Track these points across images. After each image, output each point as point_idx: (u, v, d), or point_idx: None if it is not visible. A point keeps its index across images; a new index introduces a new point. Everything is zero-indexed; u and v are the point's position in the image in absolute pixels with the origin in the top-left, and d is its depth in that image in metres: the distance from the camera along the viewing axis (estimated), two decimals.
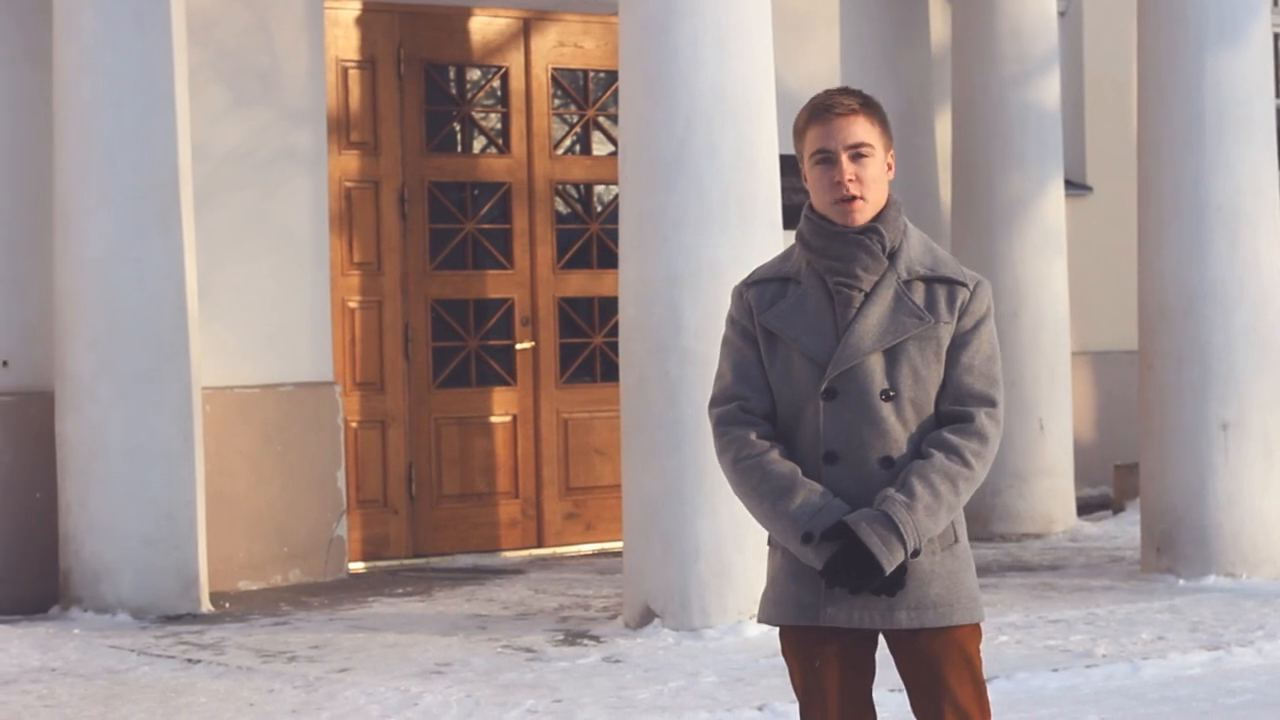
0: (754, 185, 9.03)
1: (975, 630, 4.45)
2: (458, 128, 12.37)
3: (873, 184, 4.39)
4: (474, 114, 12.38)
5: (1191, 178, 10.49)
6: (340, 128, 11.78)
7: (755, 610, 4.59)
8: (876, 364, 4.35)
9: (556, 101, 12.59)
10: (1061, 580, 10.74)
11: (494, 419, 12.24)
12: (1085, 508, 13.53)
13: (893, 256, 4.41)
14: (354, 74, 11.87)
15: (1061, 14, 13.91)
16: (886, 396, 4.34)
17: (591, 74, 12.69)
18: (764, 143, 9.10)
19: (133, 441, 10.04)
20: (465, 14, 12.23)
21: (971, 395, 4.38)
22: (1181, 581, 10.36)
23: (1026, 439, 12.62)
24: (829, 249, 4.40)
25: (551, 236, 12.46)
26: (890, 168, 4.45)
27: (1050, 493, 12.74)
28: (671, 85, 9.01)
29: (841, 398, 4.34)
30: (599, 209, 12.71)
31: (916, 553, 4.29)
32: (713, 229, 8.97)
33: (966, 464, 4.32)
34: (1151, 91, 10.71)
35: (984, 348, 4.41)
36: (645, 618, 9.05)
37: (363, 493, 11.78)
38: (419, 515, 11.99)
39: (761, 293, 4.46)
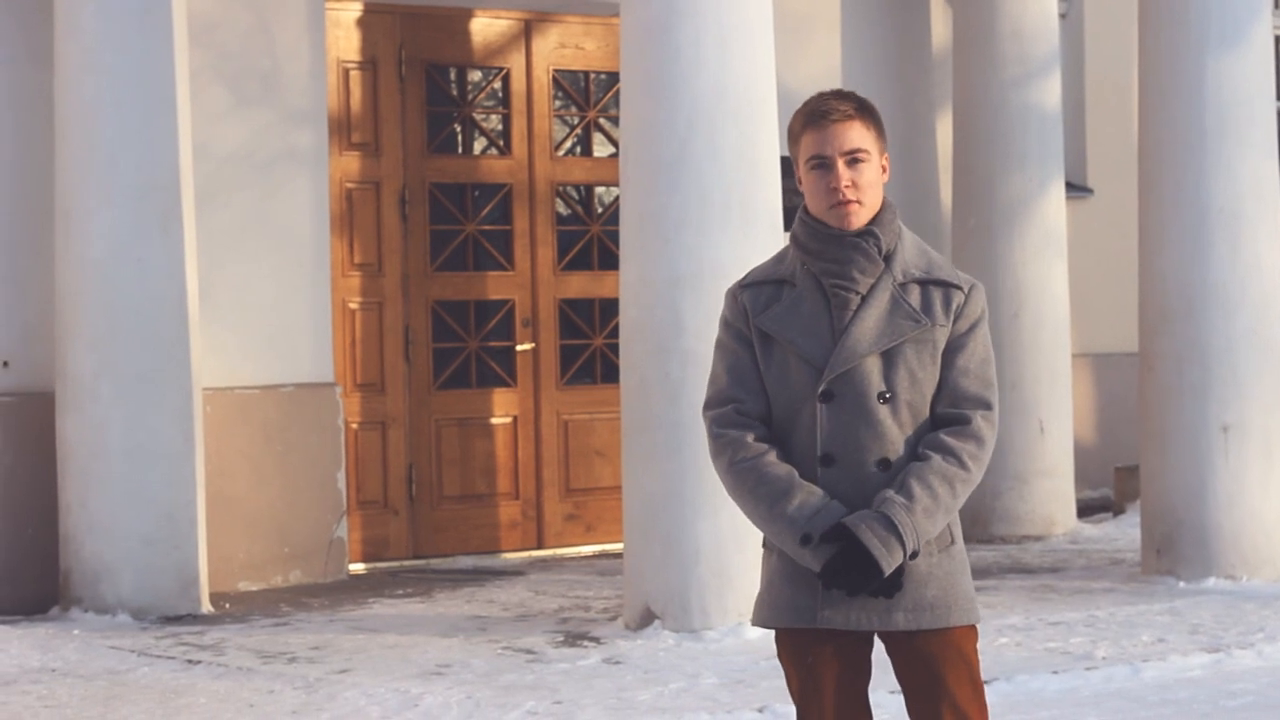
0: (755, 186, 9.03)
1: (972, 631, 4.45)
2: (459, 129, 12.38)
3: (868, 188, 4.40)
4: (475, 115, 12.38)
5: (1192, 180, 10.48)
6: (341, 129, 11.78)
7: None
8: (873, 366, 4.36)
9: (557, 103, 12.59)
10: (1062, 582, 10.74)
11: (494, 420, 12.24)
12: (1085, 510, 13.52)
13: (888, 259, 4.41)
14: (355, 75, 11.87)
15: (1063, 16, 13.91)
16: (883, 399, 4.35)
17: (592, 75, 12.69)
18: (765, 144, 9.10)
19: (133, 442, 10.04)
20: (466, 15, 12.23)
21: (967, 398, 4.39)
22: (1182, 584, 10.36)
23: (1027, 441, 12.62)
24: (825, 252, 4.40)
25: (552, 238, 12.46)
26: (885, 171, 4.45)
27: (1050, 495, 12.74)
28: (673, 86, 9.01)
29: (838, 400, 4.34)
30: (600, 210, 12.71)
31: (915, 554, 4.30)
32: (714, 230, 8.97)
33: (964, 466, 4.33)
34: (1153, 94, 10.71)
35: (979, 351, 4.42)
36: (645, 619, 9.05)
37: (363, 494, 11.78)
38: (419, 516, 11.99)
39: (756, 295, 4.46)
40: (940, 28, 13.61)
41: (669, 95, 9.02)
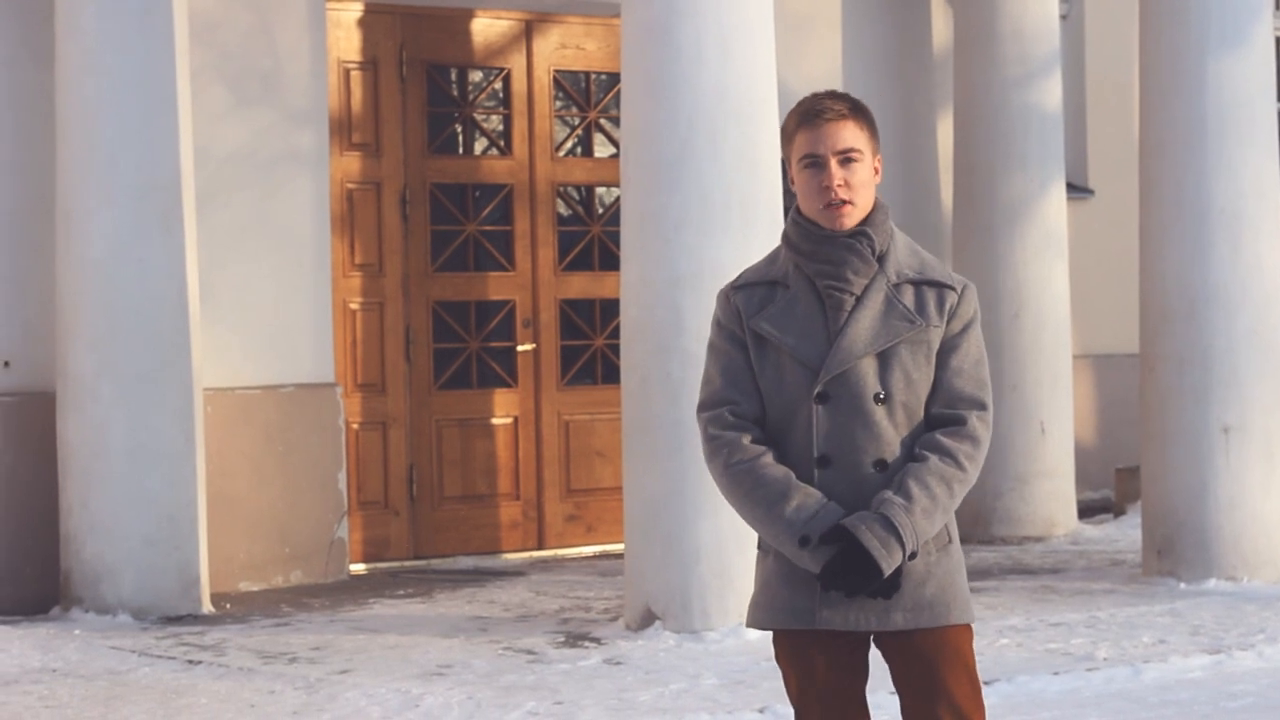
0: (756, 186, 9.03)
1: (968, 630, 4.45)
2: (459, 129, 12.38)
3: (861, 189, 4.40)
4: (476, 116, 12.38)
5: (1193, 180, 10.48)
6: (342, 129, 11.78)
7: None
8: (869, 368, 4.35)
9: (558, 103, 12.59)
10: (1062, 583, 10.74)
11: (495, 421, 12.24)
12: (1086, 511, 13.52)
13: (881, 260, 4.41)
14: (356, 75, 11.87)
15: (1063, 16, 13.91)
16: (879, 400, 4.35)
17: (593, 76, 12.69)
18: (766, 144, 9.09)
19: (134, 442, 10.04)
20: (467, 15, 12.23)
21: (962, 398, 4.39)
22: (1182, 585, 10.36)
23: (1028, 442, 12.62)
24: (818, 253, 4.40)
25: (553, 238, 12.46)
26: (877, 172, 4.45)
27: (1051, 495, 12.74)
28: (674, 86, 9.01)
29: (834, 402, 4.34)
30: (600, 211, 12.71)
31: (914, 555, 4.30)
32: (715, 230, 8.96)
33: (960, 467, 4.34)
34: (1153, 94, 10.71)
35: (973, 351, 4.42)
36: (646, 620, 9.05)
37: (364, 494, 11.78)
38: (420, 517, 11.99)
39: (749, 297, 4.46)
40: (941, 28, 13.61)
41: (670, 95, 9.02)
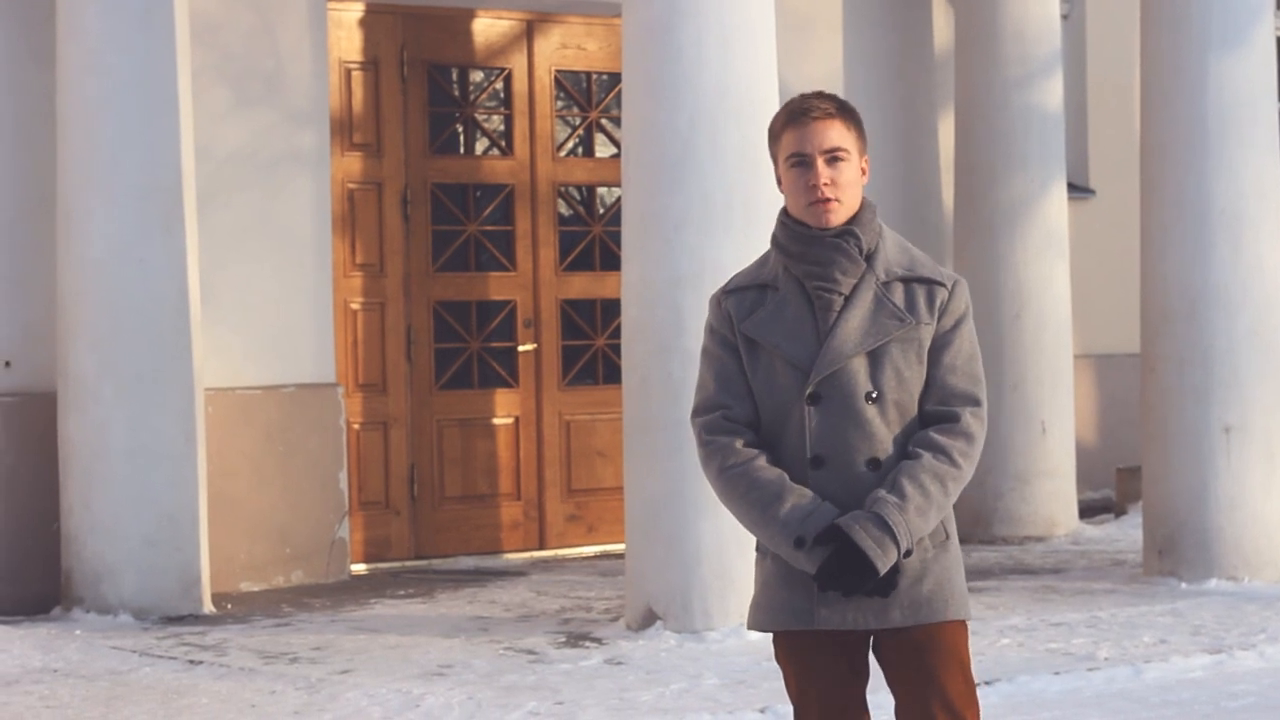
0: (757, 186, 9.02)
1: (964, 628, 4.45)
2: (460, 129, 12.38)
3: (847, 187, 4.40)
4: (477, 116, 12.38)
5: (1194, 181, 10.48)
6: (343, 129, 11.78)
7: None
8: (860, 367, 4.36)
9: (559, 103, 12.59)
10: (1063, 583, 10.74)
11: (496, 421, 12.24)
12: (1087, 511, 13.52)
13: (870, 259, 4.41)
14: (357, 75, 11.87)
15: (1064, 17, 13.91)
16: (870, 399, 4.35)
17: (594, 76, 12.69)
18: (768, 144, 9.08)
19: (135, 442, 10.04)
20: (468, 16, 12.23)
21: (956, 395, 4.38)
22: (1183, 585, 10.36)
23: (1029, 441, 12.62)
24: (806, 253, 4.40)
25: (554, 238, 12.47)
26: (865, 172, 4.45)
27: (1052, 495, 12.74)
28: (675, 86, 9.01)
29: (826, 402, 4.34)
30: (601, 211, 12.71)
31: (909, 553, 4.30)
32: (716, 230, 8.96)
33: (954, 464, 4.33)
34: (1154, 94, 10.71)
35: (965, 347, 4.42)
36: (647, 620, 9.05)
37: (365, 494, 11.78)
38: (421, 517, 11.99)
39: (740, 300, 4.47)
40: (942, 28, 13.61)
41: (671, 95, 9.02)
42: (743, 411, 4.42)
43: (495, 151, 12.41)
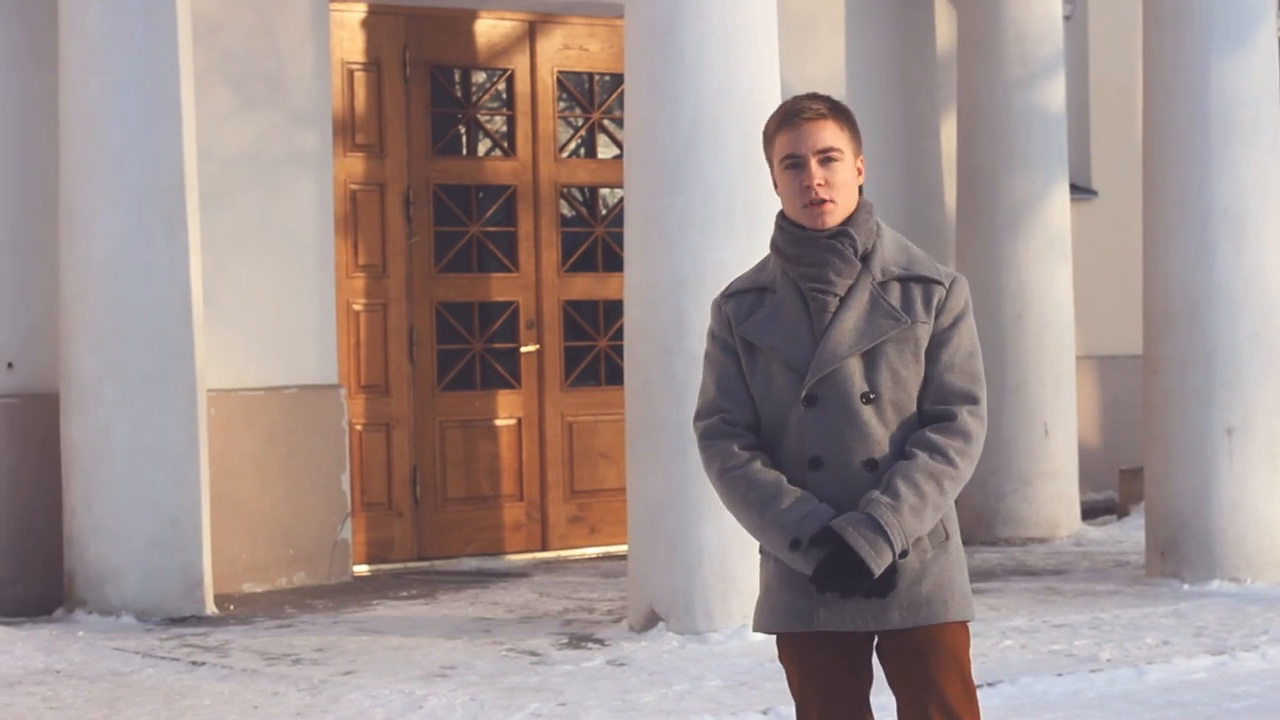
0: (760, 188, 8.99)
1: (964, 629, 4.44)
2: (463, 130, 12.38)
3: (842, 188, 4.39)
4: (479, 117, 12.38)
5: (1197, 182, 10.48)
6: (345, 130, 11.78)
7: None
8: (855, 367, 4.35)
9: (562, 104, 12.59)
10: (1066, 585, 10.73)
11: (499, 422, 12.25)
12: (1090, 512, 13.52)
13: (866, 259, 4.41)
14: (359, 76, 11.87)
15: (1067, 17, 13.90)
16: (866, 399, 4.34)
17: (597, 77, 12.69)
18: None
19: (138, 444, 10.04)
20: (471, 17, 12.23)
21: (953, 393, 4.38)
22: (1186, 586, 10.36)
23: (1031, 443, 12.62)
24: (802, 255, 4.40)
25: (556, 239, 12.47)
26: (860, 173, 4.45)
27: (1055, 497, 12.73)
28: (677, 87, 9.01)
29: (822, 403, 4.34)
30: (604, 212, 12.71)
31: (905, 553, 4.29)
32: (718, 232, 8.96)
33: (950, 462, 4.32)
34: (1157, 95, 10.71)
35: (964, 344, 4.41)
36: (650, 621, 9.05)
37: (367, 495, 11.79)
38: (423, 518, 11.99)
39: (739, 304, 4.47)
40: (944, 29, 13.61)
41: (673, 96, 9.02)
42: (742, 415, 4.43)
43: (498, 152, 12.41)
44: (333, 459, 11.42)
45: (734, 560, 8.85)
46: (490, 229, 12.33)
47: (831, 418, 4.34)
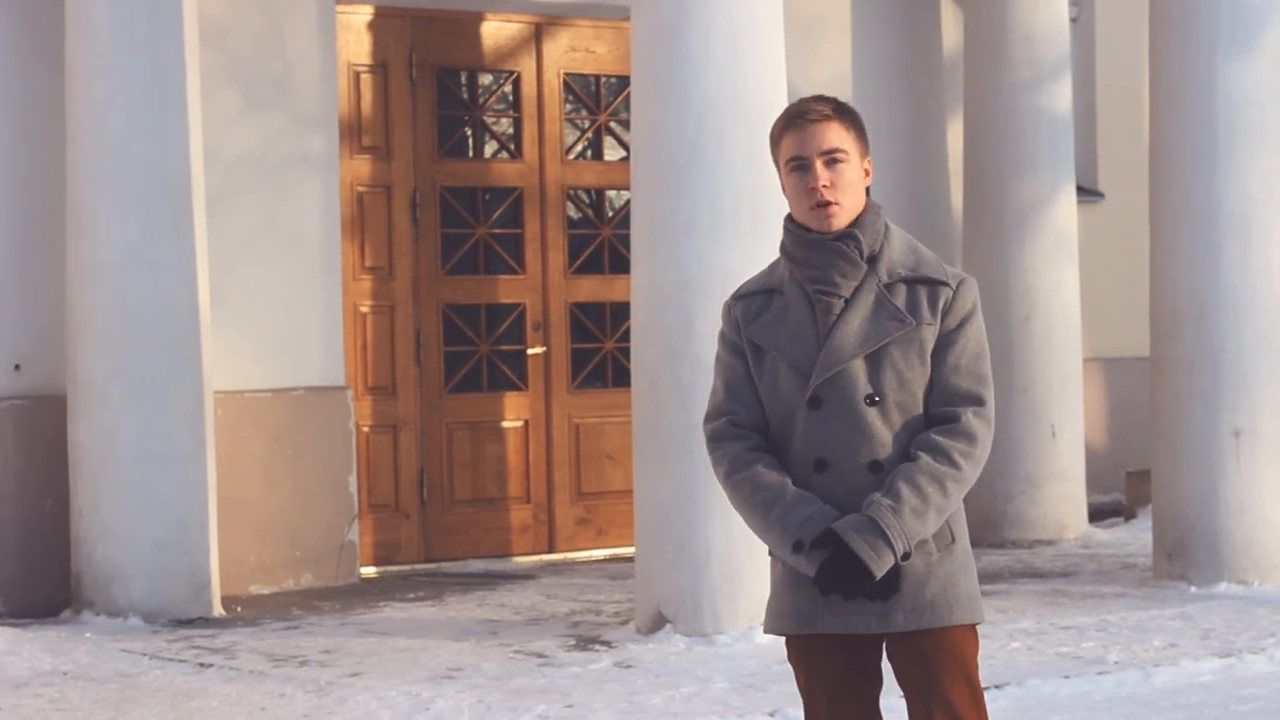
0: (766, 189, 9.00)
1: (971, 632, 4.43)
2: (469, 132, 12.38)
3: (848, 189, 4.39)
4: (486, 119, 12.39)
5: (1203, 184, 10.47)
6: (352, 132, 11.78)
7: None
8: (859, 369, 4.35)
9: (568, 106, 12.59)
10: (1073, 587, 10.73)
11: (505, 424, 12.25)
12: (1097, 514, 13.51)
13: (873, 260, 4.41)
14: (366, 78, 11.87)
15: (1073, 20, 13.90)
16: (871, 401, 4.34)
17: (603, 79, 12.69)
18: None
19: (144, 446, 10.04)
20: (477, 19, 12.24)
21: (958, 395, 4.37)
22: (1193, 588, 10.35)
23: (1038, 445, 12.61)
24: (808, 258, 4.40)
25: (563, 241, 12.47)
26: (868, 174, 4.44)
27: (1062, 499, 12.73)
28: (683, 88, 9.01)
29: (827, 405, 4.34)
30: (610, 214, 12.71)
31: (907, 556, 4.28)
32: (725, 234, 8.96)
33: (954, 464, 4.31)
34: (1163, 97, 10.70)
35: (970, 346, 4.40)
36: (657, 623, 9.05)
37: (374, 497, 11.79)
38: (430, 520, 11.99)
39: (748, 306, 4.48)
40: (951, 31, 13.60)
41: (679, 98, 9.01)
42: (750, 417, 4.43)
43: (504, 154, 12.42)
44: (340, 461, 11.42)
45: (741, 562, 8.85)
46: (497, 231, 12.33)
47: (836, 420, 4.34)
